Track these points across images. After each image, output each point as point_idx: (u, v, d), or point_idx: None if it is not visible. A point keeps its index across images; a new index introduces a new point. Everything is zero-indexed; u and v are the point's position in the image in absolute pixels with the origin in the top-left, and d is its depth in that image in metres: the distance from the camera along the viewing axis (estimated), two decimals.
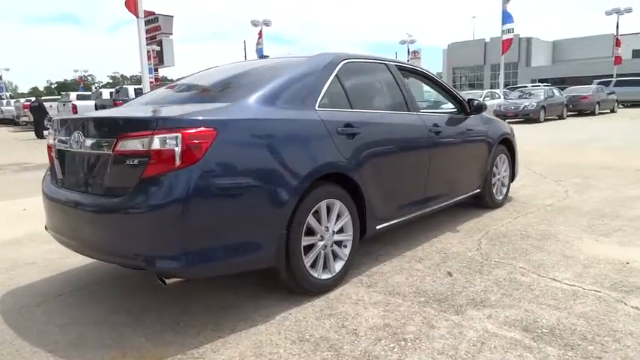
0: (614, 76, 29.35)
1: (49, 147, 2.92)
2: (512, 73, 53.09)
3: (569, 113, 20.46)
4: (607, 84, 25.10)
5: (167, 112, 2.38)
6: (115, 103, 14.64)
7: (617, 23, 32.41)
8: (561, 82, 33.26)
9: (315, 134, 2.68)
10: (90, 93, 24.28)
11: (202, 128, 2.19)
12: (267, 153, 2.43)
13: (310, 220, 2.63)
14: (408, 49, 43.53)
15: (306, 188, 2.54)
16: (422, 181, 3.55)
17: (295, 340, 2.25)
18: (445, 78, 60.46)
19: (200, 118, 2.25)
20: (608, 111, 22.35)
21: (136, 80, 74.57)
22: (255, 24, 33.17)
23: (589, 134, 12.83)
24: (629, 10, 32.39)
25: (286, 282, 2.62)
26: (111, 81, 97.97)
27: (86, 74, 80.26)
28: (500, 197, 4.82)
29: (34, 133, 18.21)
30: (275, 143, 2.48)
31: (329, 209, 2.76)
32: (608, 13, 32.84)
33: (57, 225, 2.71)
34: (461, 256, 3.39)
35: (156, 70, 26.06)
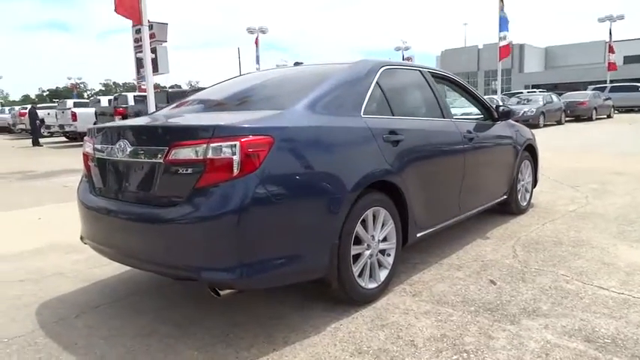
0: (608, 81, 29.63)
1: (86, 155, 2.85)
2: (506, 79, 53.46)
3: (567, 119, 20.61)
4: (602, 90, 25.33)
5: (220, 119, 2.32)
6: (115, 110, 14.50)
7: (610, 30, 32.74)
8: (554, 88, 33.48)
9: (364, 141, 2.64)
10: (87, 100, 24.09)
11: (260, 136, 2.14)
12: (321, 161, 2.38)
13: (358, 228, 2.58)
14: (403, 56, 43.78)
15: (357, 197, 2.49)
16: (457, 187, 3.51)
17: (354, 353, 2.20)
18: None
19: (257, 125, 2.20)
20: (605, 116, 22.54)
21: (129, 88, 74.31)
22: (251, 31, 33.21)
23: (591, 140, 12.90)
24: (621, 17, 32.79)
25: (335, 292, 2.57)
26: (103, 88, 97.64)
27: (79, 81, 79.88)
28: (525, 203, 4.80)
29: (31, 140, 18.05)
30: (328, 151, 2.44)
31: (374, 217, 2.71)
32: (601, 20, 33.20)
33: (97, 235, 2.64)
34: (499, 263, 3.34)
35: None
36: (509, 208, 4.57)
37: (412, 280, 3.08)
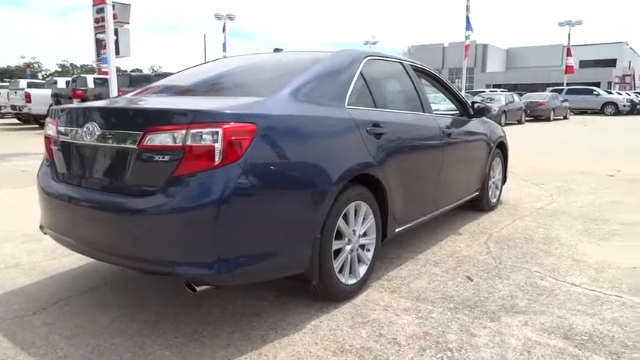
0: (565, 84, 30.74)
1: (48, 138, 2.64)
2: (469, 77, 54.60)
3: (527, 118, 21.23)
4: (560, 92, 26.26)
5: (199, 104, 2.17)
6: (74, 93, 13.81)
7: (569, 34, 33.99)
8: (514, 88, 34.44)
9: (348, 133, 2.56)
10: (44, 81, 22.94)
11: (243, 123, 2.02)
12: (305, 152, 2.29)
13: (340, 223, 2.50)
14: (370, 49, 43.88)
15: (340, 189, 2.41)
16: (434, 183, 3.49)
17: (336, 351, 2.12)
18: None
19: (240, 112, 2.07)
20: (562, 117, 23.38)
21: (88, 70, 71.32)
22: (218, 17, 32.52)
23: (551, 139, 13.32)
24: (579, 23, 34.06)
25: (315, 288, 2.48)
26: (59, 69, 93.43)
27: (33, 61, 76.14)
28: (495, 200, 4.86)
29: None
30: (312, 141, 2.34)
31: (356, 212, 2.64)
32: (561, 25, 34.36)
33: (59, 225, 2.45)
34: (474, 259, 3.35)
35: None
36: (480, 204, 4.60)
37: (389, 275, 3.03)
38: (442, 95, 4.26)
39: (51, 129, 2.58)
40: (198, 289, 2.06)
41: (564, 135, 14.99)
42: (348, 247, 2.60)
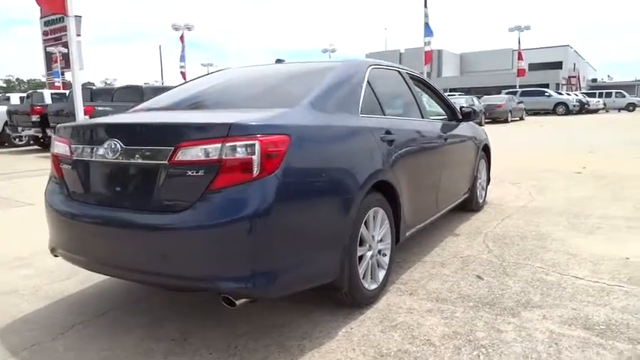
0: (518, 86, 32.06)
1: (56, 157, 2.56)
2: None
3: (485, 120, 21.98)
4: (514, 94, 27.38)
5: (229, 117, 2.15)
6: (32, 109, 13.25)
7: (519, 39, 35.45)
8: (468, 92, 35.59)
9: (366, 141, 2.61)
10: None
11: (278, 135, 2.03)
12: (333, 160, 2.32)
13: (362, 229, 2.54)
14: (329, 57, 44.40)
15: (363, 196, 2.45)
16: (436, 186, 3.59)
17: (376, 356, 2.15)
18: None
19: (274, 123, 2.08)
20: (518, 118, 24.36)
21: (36, 85, 68.53)
22: (176, 28, 32.00)
23: (513, 140, 13.85)
24: (528, 28, 35.60)
25: (342, 295, 2.50)
26: (5, 85, 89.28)
27: None
28: (481, 200, 5.03)
29: None
30: (338, 150, 2.38)
31: (374, 218, 2.69)
32: (511, 30, 35.80)
33: (78, 246, 2.37)
34: (477, 259, 3.46)
35: (62, 73, 24.13)
36: (469, 205, 4.75)
37: (403, 279, 3.09)
38: (432, 100, 4.38)
39: (60, 147, 2.50)
40: (237, 302, 2.04)
41: (525, 136, 15.63)
42: (369, 253, 2.65)
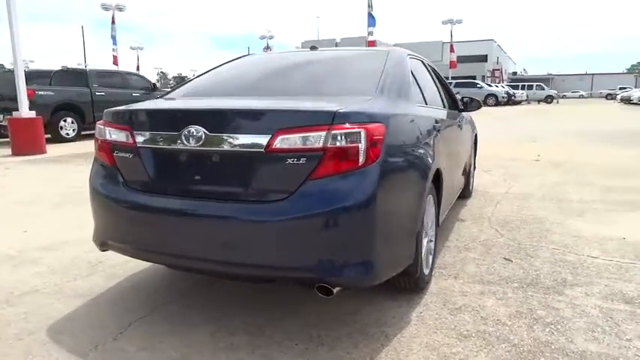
0: (450, 78, 33.51)
1: (106, 144, 2.38)
2: None
3: None
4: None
5: (327, 105, 2.09)
6: None
7: (451, 32, 37.02)
8: None
9: (428, 130, 2.66)
10: None
11: (377, 123, 2.03)
12: (412, 149, 2.36)
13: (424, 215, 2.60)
14: (267, 44, 43.88)
15: (430, 184, 2.51)
16: (456, 172, 3.73)
17: (459, 337, 2.24)
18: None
19: (372, 111, 2.07)
20: None
21: None
22: (106, 7, 30.10)
23: None
24: (459, 22, 37.27)
25: (405, 281, 2.55)
26: None
27: None
28: (471, 187, 5.27)
29: None
30: (414, 138, 2.42)
31: (427, 204, 2.76)
32: (444, 23, 37.29)
33: (146, 239, 2.23)
34: (496, 243, 3.65)
35: None
36: (465, 191, 4.97)
37: (439, 264, 3.20)
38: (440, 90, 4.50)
39: (115, 134, 2.33)
40: (335, 291, 2.03)
41: None
42: (426, 239, 2.72)
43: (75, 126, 11.64)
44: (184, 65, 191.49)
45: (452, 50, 36.67)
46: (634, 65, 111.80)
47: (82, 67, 12.84)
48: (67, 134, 11.51)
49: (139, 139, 2.23)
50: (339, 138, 1.93)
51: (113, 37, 30.00)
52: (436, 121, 2.90)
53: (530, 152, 8.77)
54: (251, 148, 2.00)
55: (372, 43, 23.51)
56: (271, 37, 43.19)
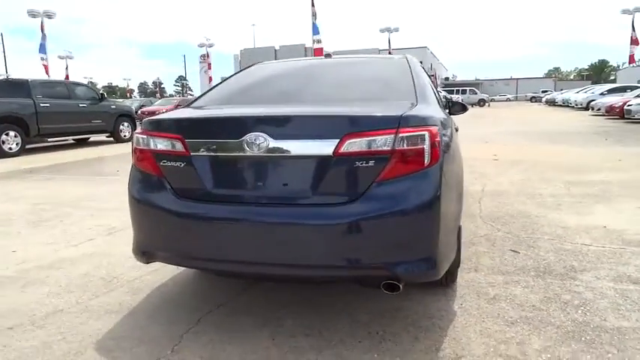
0: None
1: (150, 153, 2.33)
2: None
3: None
4: None
5: (390, 110, 2.18)
6: None
7: (389, 39, 38.32)
8: None
9: (453, 132, 2.81)
10: None
11: (434, 126, 2.14)
12: (453, 150, 2.50)
13: None
14: (207, 53, 43.21)
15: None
16: (455, 172, 3.93)
17: (508, 323, 2.40)
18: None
19: (429, 115, 2.18)
20: None
21: None
22: (33, 15, 28.38)
23: None
24: (397, 30, 38.65)
25: (446, 274, 2.67)
26: None
27: None
28: None
29: None
30: (453, 141, 2.57)
31: None
32: (382, 31, 38.51)
33: (199, 246, 2.20)
34: (496, 236, 3.88)
35: None
36: None
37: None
38: None
39: (162, 143, 2.29)
40: (401, 287, 2.12)
41: None
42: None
43: (18, 140, 10.91)
44: (115, 74, 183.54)
45: None
46: (550, 70, 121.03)
47: (26, 78, 12.02)
48: (10, 149, 10.75)
49: (193, 147, 2.20)
50: (406, 141, 2.03)
51: (42, 46, 28.41)
52: (453, 124, 3.07)
53: (486, 152, 9.27)
54: (318, 153, 2.05)
55: (319, 51, 23.83)
56: (210, 46, 42.52)
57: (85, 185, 6.86)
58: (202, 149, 2.20)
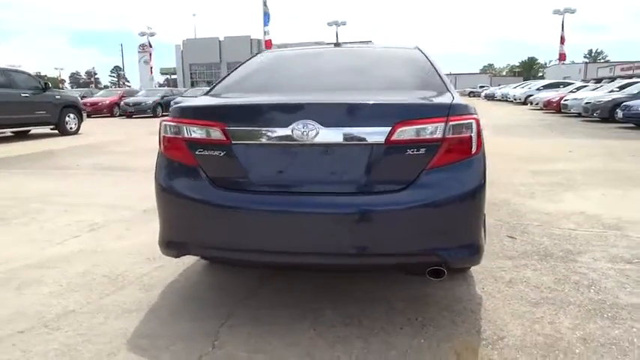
0: None
1: (183, 141, 2.23)
2: None
3: None
4: None
5: (437, 98, 2.21)
6: None
7: (337, 33, 38.65)
8: None
9: None
10: None
11: (476, 115, 2.20)
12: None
13: None
14: (149, 42, 41.62)
15: None
16: None
17: (532, 304, 2.52)
18: (181, 74, 60.05)
19: (468, 104, 2.23)
20: None
21: None
22: None
23: None
24: (344, 23, 39.07)
25: None
26: None
27: None
28: None
29: None
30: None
31: None
32: (329, 24, 38.79)
33: (254, 238, 2.13)
34: (490, 224, 3.96)
35: None
36: None
37: None
38: None
39: (198, 131, 2.20)
40: (446, 272, 2.17)
41: None
42: None
43: None
44: (45, 63, 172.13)
45: None
46: (485, 66, 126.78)
47: None
48: None
49: (235, 135, 2.13)
50: (456, 128, 2.07)
51: None
52: None
53: None
54: (370, 141, 2.05)
55: (269, 42, 23.59)
56: (152, 35, 40.95)
57: (45, 180, 6.43)
58: (245, 137, 2.13)
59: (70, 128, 13.12)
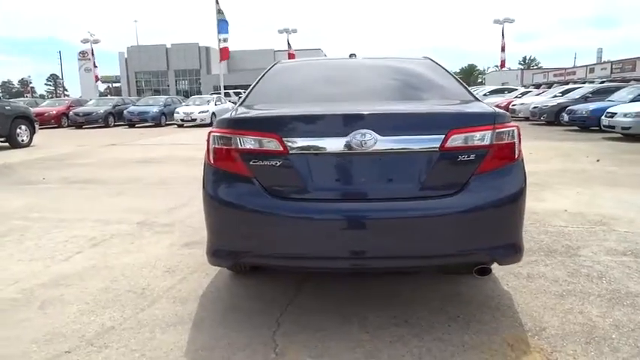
0: None
1: (238, 153, 2.25)
2: (196, 79, 55.88)
3: None
4: None
5: (481, 107, 2.37)
6: None
7: (288, 40, 38.81)
8: (234, 89, 37.85)
9: None
10: None
11: (517, 124, 2.36)
12: None
13: None
14: (92, 49, 40.02)
15: None
16: None
17: (559, 297, 2.71)
18: (126, 82, 58.15)
19: (506, 114, 2.39)
20: None
21: None
22: None
23: None
24: (295, 31, 39.29)
25: None
26: None
27: None
28: None
29: None
30: None
31: None
32: (280, 32, 38.89)
33: (314, 245, 2.19)
34: None
35: None
36: None
37: None
38: None
39: (253, 142, 2.23)
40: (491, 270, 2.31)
41: None
42: None
43: None
44: None
45: (291, 57, 38.36)
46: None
47: None
48: None
49: (292, 145, 2.18)
50: (502, 136, 2.23)
51: None
52: None
53: None
54: (425, 148, 2.16)
55: (225, 50, 23.31)
56: (96, 42, 39.35)
57: (18, 196, 6.09)
58: (303, 147, 2.18)
59: (22, 140, 12.43)
